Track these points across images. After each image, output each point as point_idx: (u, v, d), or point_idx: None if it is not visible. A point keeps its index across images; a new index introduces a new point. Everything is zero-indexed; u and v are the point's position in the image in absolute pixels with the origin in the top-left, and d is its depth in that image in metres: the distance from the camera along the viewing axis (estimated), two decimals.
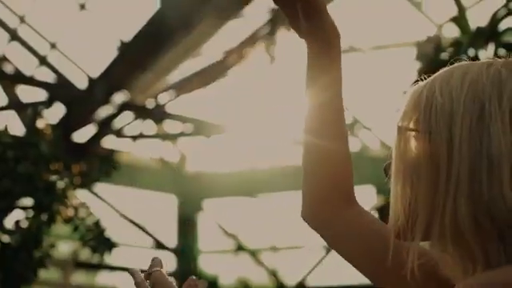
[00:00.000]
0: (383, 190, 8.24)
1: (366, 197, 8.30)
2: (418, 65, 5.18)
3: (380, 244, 1.22)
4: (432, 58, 5.23)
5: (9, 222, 4.50)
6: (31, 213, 4.47)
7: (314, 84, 1.30)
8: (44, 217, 4.45)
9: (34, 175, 4.30)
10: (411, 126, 1.07)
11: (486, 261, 1.00)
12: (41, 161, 4.38)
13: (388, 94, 8.07)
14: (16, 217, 4.51)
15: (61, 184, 4.50)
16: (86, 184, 4.71)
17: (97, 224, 4.66)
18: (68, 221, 4.58)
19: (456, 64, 1.10)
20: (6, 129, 4.41)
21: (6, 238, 4.42)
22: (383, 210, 8.28)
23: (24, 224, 4.47)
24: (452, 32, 5.79)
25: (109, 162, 4.80)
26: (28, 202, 4.44)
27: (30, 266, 4.41)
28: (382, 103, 8.41)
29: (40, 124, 4.61)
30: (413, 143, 1.07)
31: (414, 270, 1.07)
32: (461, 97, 1.03)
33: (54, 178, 4.48)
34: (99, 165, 4.73)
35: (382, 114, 8.65)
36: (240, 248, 8.45)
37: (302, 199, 1.36)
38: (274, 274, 8.35)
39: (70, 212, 4.53)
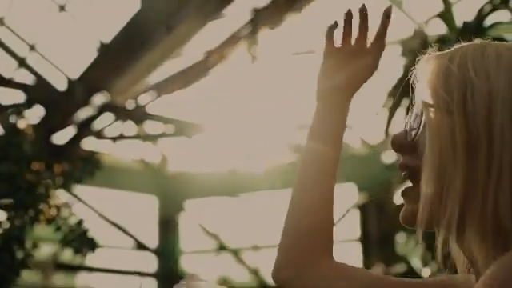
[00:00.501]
0: (364, 188, 8.29)
1: (348, 195, 8.32)
2: (403, 61, 5.17)
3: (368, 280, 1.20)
4: (418, 53, 5.23)
5: None
6: (12, 214, 4.41)
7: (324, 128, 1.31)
8: (26, 217, 4.39)
9: (15, 175, 4.23)
10: (445, 105, 0.99)
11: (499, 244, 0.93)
12: (23, 160, 4.32)
13: (369, 92, 8.07)
14: None
15: (43, 183, 4.44)
16: (69, 184, 4.65)
17: (79, 224, 4.60)
18: (50, 221, 4.52)
19: (478, 42, 1.04)
20: None
21: None
22: (365, 208, 8.31)
23: (6, 225, 4.41)
24: (434, 30, 5.81)
25: (92, 162, 4.74)
26: (9, 202, 4.38)
27: (12, 268, 4.35)
28: (362, 101, 8.40)
29: (21, 124, 4.54)
30: (447, 124, 0.98)
31: (446, 256, 1.02)
32: (499, 79, 0.96)
33: (35, 177, 4.41)
34: (82, 165, 4.67)
35: (362, 112, 8.65)
36: (221, 248, 8.43)
37: (277, 256, 1.31)
38: (255, 273, 8.34)
39: (53, 211, 4.47)
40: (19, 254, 4.51)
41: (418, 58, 1.10)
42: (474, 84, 0.97)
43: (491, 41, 1.04)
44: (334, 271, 1.25)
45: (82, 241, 4.72)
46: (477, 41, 1.05)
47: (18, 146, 4.46)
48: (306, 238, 1.27)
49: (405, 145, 1.07)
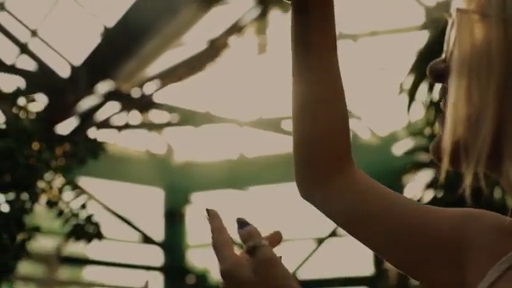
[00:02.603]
0: (375, 178, 8.16)
1: None
2: (426, 34, 4.97)
3: (385, 210, 1.04)
4: (443, 23, 5.09)
5: None
6: (12, 196, 4.28)
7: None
8: (25, 196, 4.25)
9: (14, 150, 4.10)
10: (480, 8, 0.84)
11: None
12: (23, 136, 4.19)
13: (378, 82, 7.94)
14: None
15: (43, 160, 4.30)
16: (72, 166, 4.51)
17: (83, 208, 4.47)
18: (52, 204, 4.39)
19: None
20: None
21: None
22: None
23: (5, 208, 4.29)
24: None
25: (96, 144, 4.60)
26: (8, 179, 4.24)
27: (12, 252, 4.22)
28: (371, 92, 8.28)
29: (21, 102, 4.42)
30: (481, 31, 0.84)
31: (479, 190, 0.82)
32: None
33: (35, 154, 4.28)
34: (85, 145, 4.54)
35: (372, 102, 8.51)
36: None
37: (294, 170, 1.18)
38: None
39: (55, 192, 4.34)
40: (20, 238, 4.39)
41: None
42: None
43: None
44: (360, 180, 1.10)
45: (85, 226, 4.59)
46: None
47: (18, 122, 4.34)
48: (319, 143, 1.12)
49: (442, 69, 0.91)
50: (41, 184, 4.33)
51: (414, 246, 1.01)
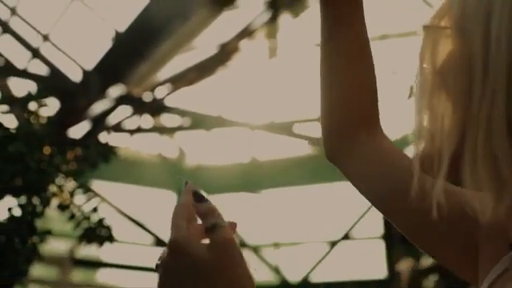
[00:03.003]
0: None
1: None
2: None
3: (406, 178, 1.02)
4: None
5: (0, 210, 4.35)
6: (24, 199, 4.30)
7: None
8: (37, 200, 4.28)
9: (25, 155, 4.13)
10: (442, 24, 0.88)
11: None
12: (33, 141, 4.21)
13: (389, 85, 7.93)
14: (8, 203, 4.35)
15: (54, 164, 4.33)
16: (83, 170, 4.54)
17: (94, 211, 4.49)
18: (63, 208, 4.41)
19: None
20: None
21: None
22: None
23: (17, 212, 4.31)
24: None
25: (107, 148, 4.62)
26: (19, 183, 4.27)
27: (24, 255, 4.25)
28: (383, 95, 8.26)
29: (32, 106, 4.45)
30: (444, 45, 0.87)
31: (440, 204, 0.84)
32: None
33: (46, 158, 4.31)
34: (97, 149, 4.56)
35: (383, 106, 8.49)
36: (242, 244, 8.31)
37: (322, 134, 1.19)
38: (276, 270, 8.21)
39: (66, 195, 4.36)
40: (31, 241, 4.42)
41: None
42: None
43: None
44: (389, 145, 1.13)
45: (97, 229, 4.61)
46: None
47: (29, 126, 4.36)
48: (346, 109, 1.16)
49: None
50: (52, 188, 4.36)
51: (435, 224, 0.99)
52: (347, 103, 1.15)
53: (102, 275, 8.74)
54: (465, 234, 0.99)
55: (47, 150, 4.39)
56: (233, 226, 0.94)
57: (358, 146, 1.15)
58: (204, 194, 0.93)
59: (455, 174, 0.84)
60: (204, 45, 7.09)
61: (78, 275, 8.27)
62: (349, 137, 1.15)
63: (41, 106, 4.64)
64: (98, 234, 4.63)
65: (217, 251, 0.87)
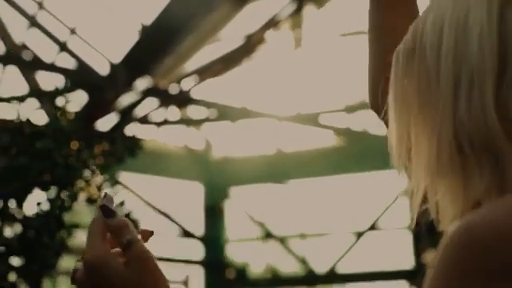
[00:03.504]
0: None
1: (397, 181, 8.14)
2: None
3: None
4: None
5: (29, 205, 4.40)
6: (52, 194, 4.35)
7: None
8: (64, 194, 4.33)
9: (53, 151, 4.18)
10: (407, 47, 0.95)
11: (467, 194, 0.87)
12: (61, 137, 4.26)
13: None
14: (37, 198, 4.41)
15: (81, 160, 4.38)
16: (110, 164, 4.59)
17: (121, 205, 4.54)
18: (91, 202, 4.47)
19: None
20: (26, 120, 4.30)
21: (27, 221, 4.32)
22: None
23: (45, 206, 4.36)
24: None
25: (134, 142, 4.67)
26: (47, 178, 4.32)
27: (53, 249, 4.30)
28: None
29: (60, 102, 4.49)
30: (410, 66, 0.94)
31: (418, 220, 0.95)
32: (449, 5, 0.92)
33: (74, 154, 4.36)
34: (123, 144, 4.61)
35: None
36: (268, 236, 8.33)
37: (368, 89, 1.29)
38: (303, 261, 8.22)
39: (93, 190, 4.41)
40: (60, 236, 4.47)
41: None
42: (431, 18, 0.93)
43: None
44: None
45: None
46: None
47: (56, 122, 4.41)
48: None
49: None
50: (80, 183, 4.41)
51: None
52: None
53: None
54: None
55: (75, 144, 4.44)
56: (146, 234, 0.94)
57: None
58: (109, 207, 0.90)
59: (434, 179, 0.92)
60: (229, 36, 7.09)
61: None
62: None
63: (68, 101, 4.68)
64: None
65: (135, 268, 0.87)
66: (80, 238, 5.99)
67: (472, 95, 0.85)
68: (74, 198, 4.44)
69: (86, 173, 4.49)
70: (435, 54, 0.90)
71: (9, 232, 4.49)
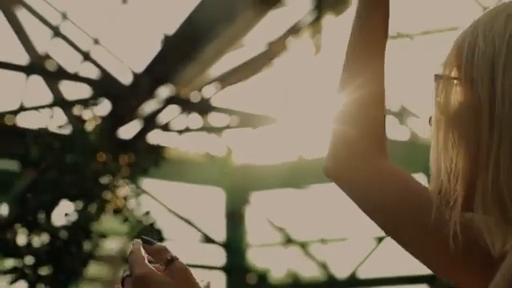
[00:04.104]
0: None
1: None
2: None
3: (417, 200, 1.13)
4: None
5: (57, 215, 4.48)
6: (80, 205, 4.43)
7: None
8: (93, 207, 4.41)
9: (81, 165, 4.26)
10: (453, 74, 0.97)
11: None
12: (88, 150, 4.34)
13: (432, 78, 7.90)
14: (64, 209, 4.49)
15: (109, 173, 4.46)
16: (135, 175, 4.66)
17: (146, 215, 4.61)
18: (117, 212, 4.54)
19: (501, 4, 0.99)
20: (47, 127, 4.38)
21: (54, 231, 4.39)
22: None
23: (73, 217, 4.44)
24: None
25: (157, 153, 4.75)
26: (76, 192, 4.40)
27: (80, 259, 4.37)
28: (430, 90, 8.24)
29: (86, 115, 4.57)
30: (454, 94, 0.96)
31: (456, 235, 0.95)
32: (503, 41, 0.92)
33: (101, 167, 4.44)
34: (147, 155, 4.69)
35: (431, 101, 8.47)
36: (289, 241, 8.36)
37: (328, 150, 1.28)
38: (324, 266, 8.26)
39: (120, 202, 4.49)
40: (87, 246, 4.54)
41: None
42: (480, 49, 0.94)
43: None
44: (389, 170, 1.20)
45: (149, 232, 4.73)
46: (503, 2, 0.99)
47: (84, 136, 4.48)
48: (358, 133, 1.23)
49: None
50: (107, 195, 4.48)
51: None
52: (367, 121, 1.22)
53: None
54: (480, 260, 1.05)
55: (101, 156, 4.51)
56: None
57: (374, 163, 1.21)
58: (149, 239, 1.02)
59: (468, 208, 0.94)
60: (250, 43, 7.14)
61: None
62: (365, 153, 1.22)
63: (93, 113, 4.76)
64: (149, 236, 4.74)
65: (179, 277, 0.96)
66: (106, 247, 6.07)
67: None
68: (101, 209, 4.51)
69: (113, 184, 4.56)
70: (488, 92, 0.91)
71: (37, 243, 4.56)
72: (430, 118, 1.01)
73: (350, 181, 1.24)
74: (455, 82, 0.96)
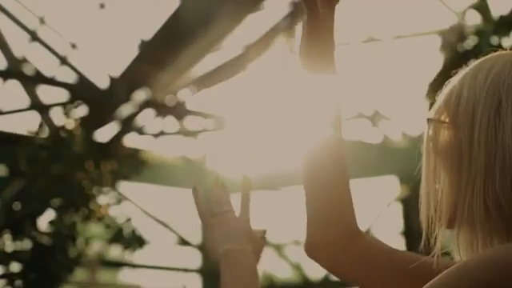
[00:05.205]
0: (406, 181, 8.24)
1: (390, 187, 8.28)
2: (442, 55, 5.17)
3: (395, 270, 1.27)
4: (455, 47, 5.24)
5: (42, 223, 4.52)
6: (66, 213, 4.48)
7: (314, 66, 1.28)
8: (77, 216, 4.47)
9: (67, 175, 4.31)
10: (442, 118, 1.13)
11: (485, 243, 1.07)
12: (74, 161, 4.40)
13: (408, 83, 8.02)
14: (49, 217, 4.53)
15: (94, 183, 4.52)
16: (116, 182, 4.72)
17: (128, 222, 4.68)
18: (100, 219, 4.60)
19: (489, 56, 1.14)
20: (37, 131, 4.42)
21: (40, 238, 4.43)
22: (407, 201, 8.27)
23: (58, 225, 4.48)
24: (473, 19, 5.78)
25: (138, 161, 4.81)
26: (61, 201, 4.45)
27: (65, 265, 4.42)
28: (402, 93, 8.37)
29: (69, 125, 4.62)
30: (443, 136, 1.13)
31: (439, 258, 1.13)
32: (483, 91, 1.08)
33: (86, 177, 4.49)
34: (129, 163, 4.75)
35: (402, 104, 8.61)
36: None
37: (305, 231, 1.37)
38: (298, 268, 8.33)
39: (104, 210, 4.55)
40: (72, 252, 4.59)
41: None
42: (464, 98, 1.10)
43: None
44: (368, 247, 1.30)
45: (130, 238, 4.79)
46: (491, 54, 1.15)
47: (69, 147, 4.52)
48: (330, 217, 1.32)
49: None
50: (91, 204, 4.53)
51: None
52: (335, 209, 1.32)
53: (126, 275, 8.88)
54: None
55: (90, 165, 4.56)
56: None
57: (348, 249, 1.31)
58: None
59: (451, 226, 1.12)
60: (227, 47, 7.19)
61: (104, 275, 8.39)
62: (339, 242, 1.31)
63: (74, 120, 4.80)
64: (131, 242, 4.82)
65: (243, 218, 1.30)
66: (91, 251, 6.08)
67: (504, 172, 1.05)
68: (86, 218, 4.57)
69: (96, 193, 4.62)
70: (469, 134, 1.08)
71: (24, 250, 4.59)
72: (429, 119, 1.15)
73: (330, 266, 1.35)
74: (444, 126, 1.13)
